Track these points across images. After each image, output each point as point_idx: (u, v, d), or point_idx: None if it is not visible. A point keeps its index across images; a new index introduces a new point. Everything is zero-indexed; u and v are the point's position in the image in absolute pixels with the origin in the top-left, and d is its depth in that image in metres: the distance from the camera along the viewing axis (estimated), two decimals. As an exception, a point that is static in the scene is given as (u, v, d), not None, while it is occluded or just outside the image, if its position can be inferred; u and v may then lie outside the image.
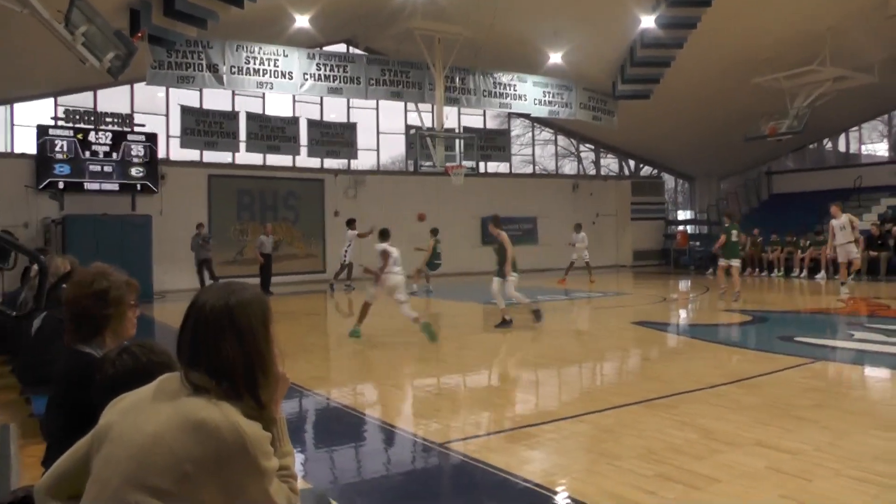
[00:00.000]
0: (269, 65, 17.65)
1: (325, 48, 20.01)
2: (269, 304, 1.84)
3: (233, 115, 19.73)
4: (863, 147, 30.43)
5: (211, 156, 20.37)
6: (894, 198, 23.14)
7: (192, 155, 19.95)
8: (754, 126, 21.96)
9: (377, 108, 22.65)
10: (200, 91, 19.24)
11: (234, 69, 17.16)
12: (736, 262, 14.52)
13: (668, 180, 32.10)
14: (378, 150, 23.48)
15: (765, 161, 29.35)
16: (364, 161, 23.19)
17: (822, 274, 19.73)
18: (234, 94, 19.98)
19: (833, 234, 14.85)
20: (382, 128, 23.20)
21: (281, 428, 1.84)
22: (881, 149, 30.22)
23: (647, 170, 31.06)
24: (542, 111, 22.00)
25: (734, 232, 14.46)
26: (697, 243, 26.79)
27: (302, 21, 17.67)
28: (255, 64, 17.43)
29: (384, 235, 9.92)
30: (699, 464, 4.28)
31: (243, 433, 1.63)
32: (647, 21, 17.99)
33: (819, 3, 17.56)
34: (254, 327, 1.76)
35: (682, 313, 13.31)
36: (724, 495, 3.81)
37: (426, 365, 8.05)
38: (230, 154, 20.66)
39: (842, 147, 31.01)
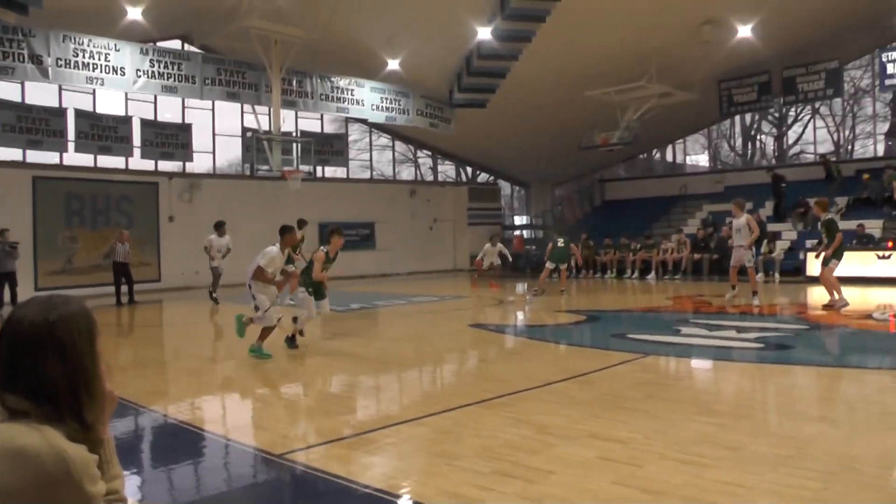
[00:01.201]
0: (99, 59, 16.45)
1: (160, 44, 18.96)
2: (93, 318, 1.66)
3: (60, 112, 18.37)
4: (687, 158, 32.58)
5: (35, 156, 18.88)
6: (715, 204, 24.84)
7: (13, 154, 18.41)
8: (588, 136, 23.03)
9: (213, 109, 21.90)
10: (22, 84, 17.82)
11: (60, 62, 15.86)
12: (563, 266, 16.08)
13: (505, 187, 32.97)
14: (214, 152, 22.70)
15: (597, 169, 30.79)
16: (200, 164, 22.32)
17: (653, 275, 20.90)
18: (60, 88, 18.65)
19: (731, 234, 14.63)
20: (219, 129, 22.48)
21: (109, 449, 1.70)
22: (703, 159, 32.48)
23: (484, 176, 31.83)
24: (379, 117, 21.94)
25: (560, 239, 15.27)
26: (533, 247, 27.64)
27: (134, 13, 16.63)
28: (84, 57, 16.21)
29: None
30: (535, 458, 4.32)
31: (66, 458, 1.47)
32: (484, 33, 18.36)
33: (644, 26, 18.68)
34: (77, 343, 1.60)
35: (519, 315, 13.62)
36: (559, 486, 3.85)
37: (266, 375, 7.76)
38: (57, 154, 19.22)
39: (669, 157, 33.09)
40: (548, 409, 5.52)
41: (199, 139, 21.55)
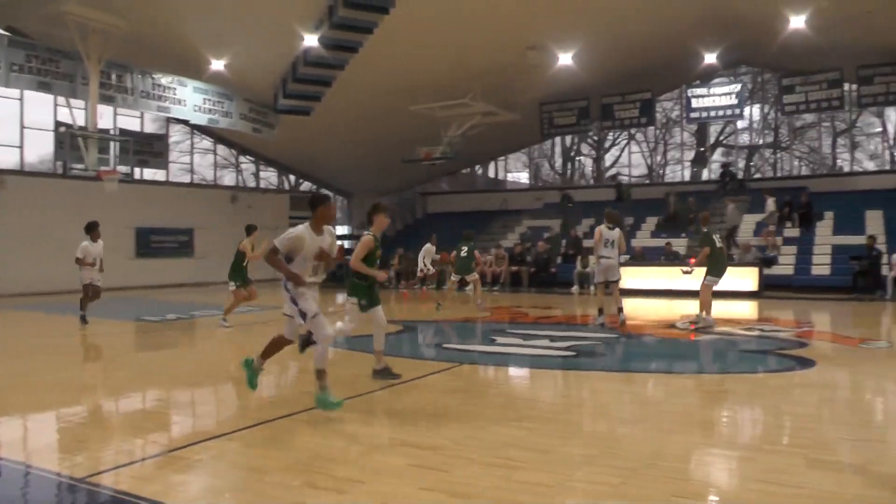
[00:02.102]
0: None
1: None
2: None
3: None
4: (508, 174, 33.75)
5: None
6: (534, 220, 25.89)
7: None
8: (411, 149, 23.28)
9: (21, 99, 20.17)
10: None
11: None
12: (468, 276, 15.25)
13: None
14: (22, 146, 20.84)
15: (420, 182, 31.25)
16: (5, 159, 20.50)
17: (471, 286, 21.34)
18: None
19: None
20: (28, 122, 20.69)
21: None
22: (523, 176, 33.77)
23: (307, 185, 31.38)
24: (201, 118, 21.03)
25: (464, 247, 14.87)
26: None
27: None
28: None
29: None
30: (346, 468, 4.29)
31: None
32: (311, 40, 18.09)
33: (471, 46, 19.16)
34: None
35: (339, 325, 13.44)
36: (369, 495, 3.85)
37: (72, 391, 7.15)
38: None
39: (491, 173, 34.13)
40: (362, 419, 5.48)
41: (6, 130, 19.83)
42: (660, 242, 21.42)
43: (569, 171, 34.14)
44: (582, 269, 20.25)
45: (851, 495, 3.85)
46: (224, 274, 13.17)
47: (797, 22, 18.52)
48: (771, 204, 21.69)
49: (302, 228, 6.00)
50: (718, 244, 11.73)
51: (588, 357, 8.76)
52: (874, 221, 20.40)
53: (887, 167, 27.31)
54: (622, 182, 26.53)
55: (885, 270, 17.56)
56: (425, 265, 18.80)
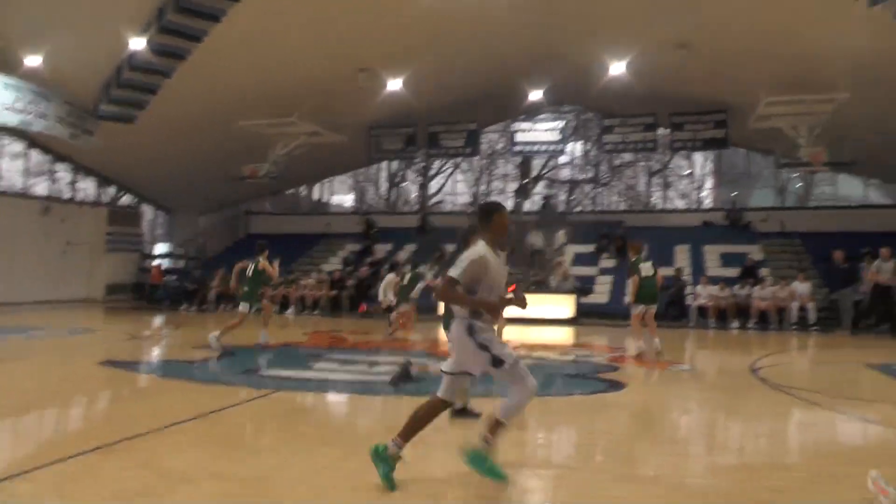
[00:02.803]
0: None
1: None
2: None
3: None
4: (333, 197, 33.73)
5: None
6: (356, 244, 25.97)
7: None
8: (237, 166, 22.75)
9: None
10: None
11: None
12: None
13: (148, 211, 31.10)
14: None
15: (245, 200, 30.48)
16: None
17: (292, 310, 21.12)
18: None
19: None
20: None
21: None
22: (348, 199, 33.87)
23: (127, 197, 29.73)
24: (12, 119, 19.16)
25: (407, 274, 14.36)
26: (174, 278, 26.39)
27: None
28: None
29: None
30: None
31: None
32: (137, 43, 17.14)
33: (301, 64, 19.03)
34: None
35: (155, 351, 12.93)
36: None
37: None
38: None
39: (315, 195, 33.95)
40: (174, 451, 5.30)
41: None
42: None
43: (393, 197, 34.65)
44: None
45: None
46: (30, 293, 12.24)
47: (617, 68, 20.03)
48: (561, 236, 23.14)
49: (482, 248, 4.71)
50: (645, 273, 11.60)
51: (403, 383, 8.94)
52: (682, 255, 22.42)
53: (694, 206, 29.98)
54: (370, 219, 27.23)
55: (689, 300, 19.29)
56: (386, 297, 17.51)
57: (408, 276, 14.34)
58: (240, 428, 6.09)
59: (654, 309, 11.78)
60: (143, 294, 25.58)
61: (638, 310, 11.74)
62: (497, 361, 4.65)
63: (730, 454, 6.00)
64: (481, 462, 4.56)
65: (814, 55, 16.84)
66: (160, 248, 31.34)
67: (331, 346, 13.19)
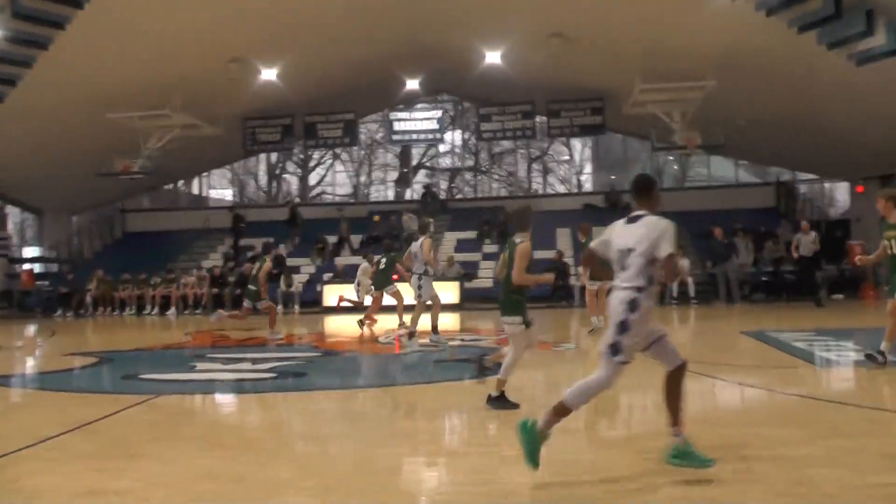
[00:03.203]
0: None
1: None
2: None
3: None
4: (212, 191, 32.80)
5: None
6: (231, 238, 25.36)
7: None
8: (108, 162, 21.76)
9: None
10: None
11: None
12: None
13: (14, 213, 29.33)
14: None
15: (120, 198, 29.20)
16: None
17: (173, 310, 20.47)
18: None
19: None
20: None
21: None
22: (228, 193, 33.02)
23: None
24: None
25: (383, 260, 13.97)
26: (47, 283, 25.04)
27: None
28: None
29: None
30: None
31: None
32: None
33: (171, 54, 18.34)
34: None
35: (27, 362, 12.28)
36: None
37: None
38: None
39: (195, 190, 32.93)
40: (45, 469, 5.02)
41: None
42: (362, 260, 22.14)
43: (274, 190, 34.06)
44: (286, 288, 20.29)
45: (536, 483, 4.33)
46: None
47: (493, 57, 20.31)
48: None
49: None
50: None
51: (290, 378, 8.85)
52: (563, 238, 23.01)
53: (574, 190, 30.87)
54: (295, 204, 26.92)
55: (573, 280, 19.85)
56: (360, 291, 16.67)
57: (384, 261, 14.05)
58: (117, 438, 5.84)
59: (608, 285, 12.09)
60: (12, 302, 24.19)
61: (595, 286, 12.04)
62: (614, 349, 4.62)
63: (615, 427, 6.26)
64: (688, 455, 4.37)
65: (683, 45, 17.66)
66: (30, 251, 29.62)
67: (214, 345, 12.88)
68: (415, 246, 11.61)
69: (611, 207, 26.11)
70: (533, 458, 4.35)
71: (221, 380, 8.86)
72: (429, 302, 11.70)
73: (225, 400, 7.90)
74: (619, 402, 6.86)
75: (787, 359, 9.26)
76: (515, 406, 6.32)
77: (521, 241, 6.32)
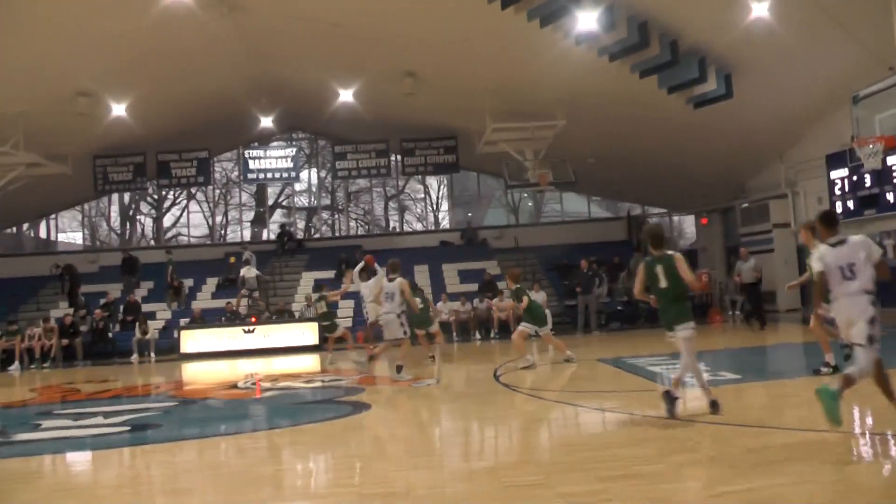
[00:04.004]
0: None
1: None
2: None
3: None
4: (61, 234, 31.03)
5: None
6: (89, 285, 23.94)
7: None
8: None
9: None
10: None
11: None
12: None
13: None
14: None
15: (-44, 243, 27.12)
16: None
17: (17, 365, 19.00)
18: None
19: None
20: None
21: None
22: (78, 237, 31.31)
23: None
24: None
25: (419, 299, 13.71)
26: None
27: None
28: None
29: None
30: None
31: None
32: None
33: (12, 87, 17.29)
34: None
35: None
36: None
37: None
38: None
39: (42, 233, 31.06)
40: None
41: None
42: (220, 303, 21.69)
43: (128, 232, 32.65)
44: (141, 335, 19.42)
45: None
46: None
47: (345, 95, 20.38)
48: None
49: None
50: (534, 297, 13.26)
51: (144, 430, 8.45)
52: (422, 274, 23.20)
53: (431, 228, 31.26)
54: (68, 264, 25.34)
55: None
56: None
57: (418, 301, 13.64)
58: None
59: (546, 329, 12.66)
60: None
61: (529, 328, 12.25)
62: (870, 339, 5.67)
63: (479, 459, 6.34)
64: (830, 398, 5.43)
65: (532, 85, 18.41)
66: None
67: (63, 399, 12.08)
68: (389, 286, 11.47)
69: (467, 243, 26.68)
70: (834, 416, 5.41)
71: (69, 437, 8.30)
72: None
73: (73, 459, 7.38)
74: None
75: (643, 382, 9.70)
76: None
77: (671, 252, 7.11)
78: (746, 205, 22.74)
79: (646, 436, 6.42)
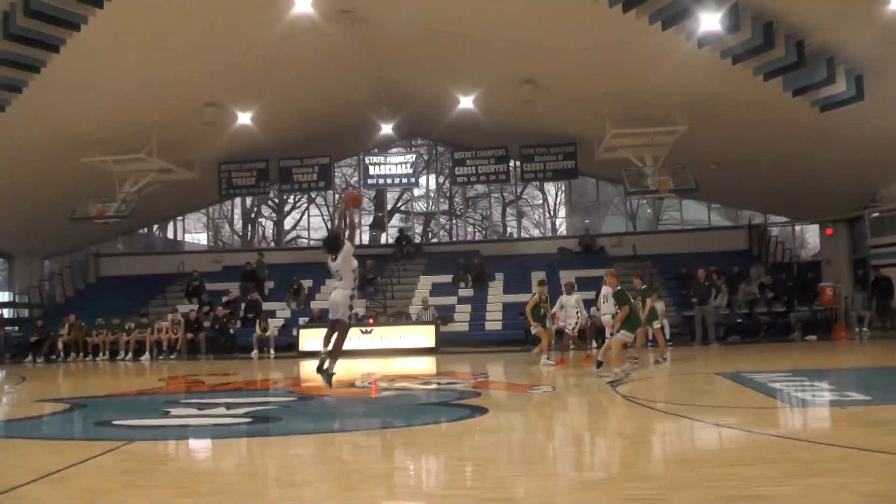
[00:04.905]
0: None
1: None
2: None
3: None
4: (187, 235, 32.59)
5: None
6: (213, 283, 25.12)
7: None
8: (82, 206, 21.58)
9: None
10: None
11: None
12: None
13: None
14: None
15: (94, 242, 28.96)
16: None
17: (147, 356, 20.16)
18: None
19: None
20: None
21: None
22: (203, 238, 32.81)
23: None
24: None
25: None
26: (16, 328, 24.64)
27: None
28: None
29: None
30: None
31: None
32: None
33: (147, 98, 18.38)
34: None
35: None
36: None
37: None
38: None
39: (170, 234, 32.73)
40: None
41: None
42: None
43: (249, 234, 33.92)
44: (261, 332, 20.10)
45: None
46: None
47: (466, 102, 20.53)
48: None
49: None
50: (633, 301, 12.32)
51: (265, 423, 8.70)
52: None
53: (549, 234, 31.09)
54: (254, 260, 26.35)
55: (547, 324, 19.64)
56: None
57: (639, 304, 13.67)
58: (87, 487, 5.67)
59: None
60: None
61: (626, 336, 11.99)
62: None
63: (594, 469, 6.21)
64: None
65: (653, 91, 18.00)
66: (2, 296, 29.13)
67: (188, 390, 12.67)
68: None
69: (585, 251, 26.31)
70: None
71: (196, 425, 8.68)
72: None
73: (199, 445, 7.73)
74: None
75: (763, 399, 9.28)
76: None
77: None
78: (877, 214, 21.47)
79: (766, 455, 6.13)
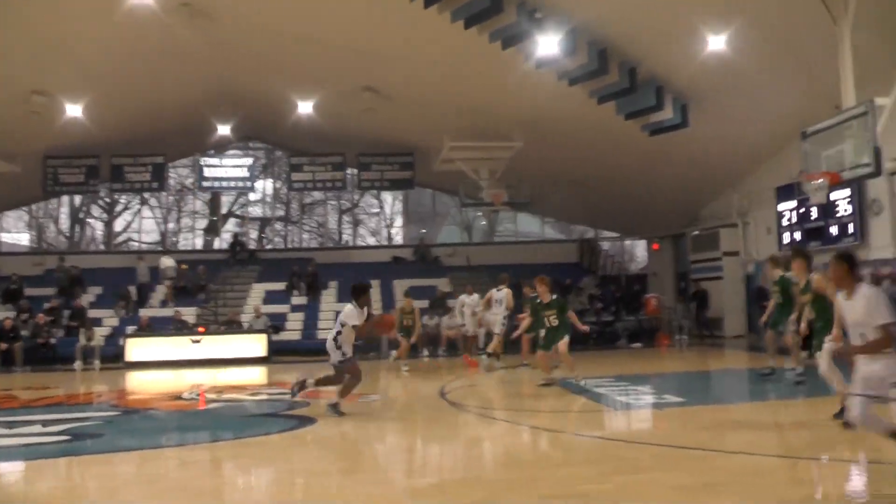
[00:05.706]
0: None
1: None
2: None
3: None
4: (5, 235, 30.21)
5: None
6: (33, 288, 23.38)
7: None
8: None
9: None
10: None
11: None
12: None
13: None
14: None
15: None
16: None
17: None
18: None
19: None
20: None
21: None
22: (24, 238, 30.55)
23: None
24: None
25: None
26: None
27: None
28: None
29: None
30: None
31: None
32: None
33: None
34: None
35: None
36: None
37: None
38: None
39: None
40: None
41: None
42: (169, 312, 21.31)
43: (77, 235, 31.96)
44: (86, 342, 18.92)
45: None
46: None
47: (305, 107, 20.31)
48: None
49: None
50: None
51: (87, 440, 8.23)
52: (373, 290, 22.92)
53: (384, 243, 31.22)
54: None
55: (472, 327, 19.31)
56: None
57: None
58: None
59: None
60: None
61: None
62: None
63: (425, 475, 6.32)
64: None
65: (491, 106, 18.62)
66: None
67: (-2, 407, 11.72)
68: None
69: (420, 260, 26.71)
70: None
71: (5, 446, 8.03)
72: None
73: (7, 469, 7.14)
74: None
75: (589, 403, 9.80)
76: None
77: None
78: (697, 232, 23.17)
79: (590, 456, 6.49)
